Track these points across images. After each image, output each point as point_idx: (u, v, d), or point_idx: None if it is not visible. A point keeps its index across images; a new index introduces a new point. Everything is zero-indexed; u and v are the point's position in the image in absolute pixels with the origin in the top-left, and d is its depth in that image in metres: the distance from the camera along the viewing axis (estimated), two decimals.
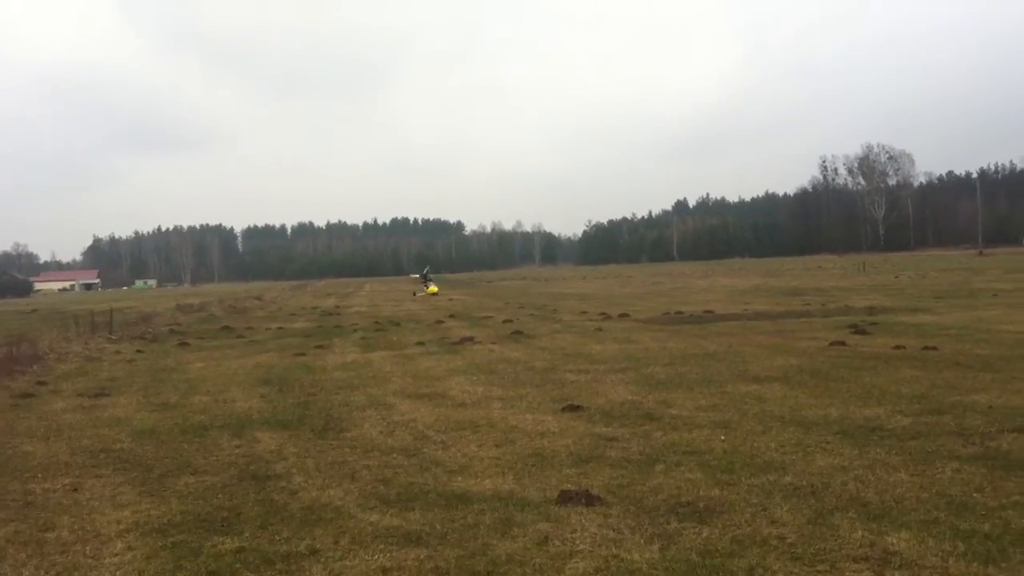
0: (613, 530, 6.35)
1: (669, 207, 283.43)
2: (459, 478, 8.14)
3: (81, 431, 11.49)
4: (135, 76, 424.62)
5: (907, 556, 5.58)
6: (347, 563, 5.96)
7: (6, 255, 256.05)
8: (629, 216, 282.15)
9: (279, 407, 12.86)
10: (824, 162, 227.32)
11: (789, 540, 5.98)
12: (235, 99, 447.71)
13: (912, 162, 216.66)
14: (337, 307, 48.47)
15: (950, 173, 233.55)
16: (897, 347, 16.67)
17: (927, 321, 22.86)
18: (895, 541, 5.83)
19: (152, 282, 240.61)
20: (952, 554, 5.58)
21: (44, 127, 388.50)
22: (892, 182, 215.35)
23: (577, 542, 6.12)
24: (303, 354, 20.68)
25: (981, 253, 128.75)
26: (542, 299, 47.56)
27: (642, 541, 6.09)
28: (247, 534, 6.66)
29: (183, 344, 25.22)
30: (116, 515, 7.35)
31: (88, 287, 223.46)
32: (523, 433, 10.11)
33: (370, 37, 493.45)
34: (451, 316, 34.00)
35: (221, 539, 6.55)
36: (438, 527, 6.62)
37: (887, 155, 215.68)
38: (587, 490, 7.27)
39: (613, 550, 5.93)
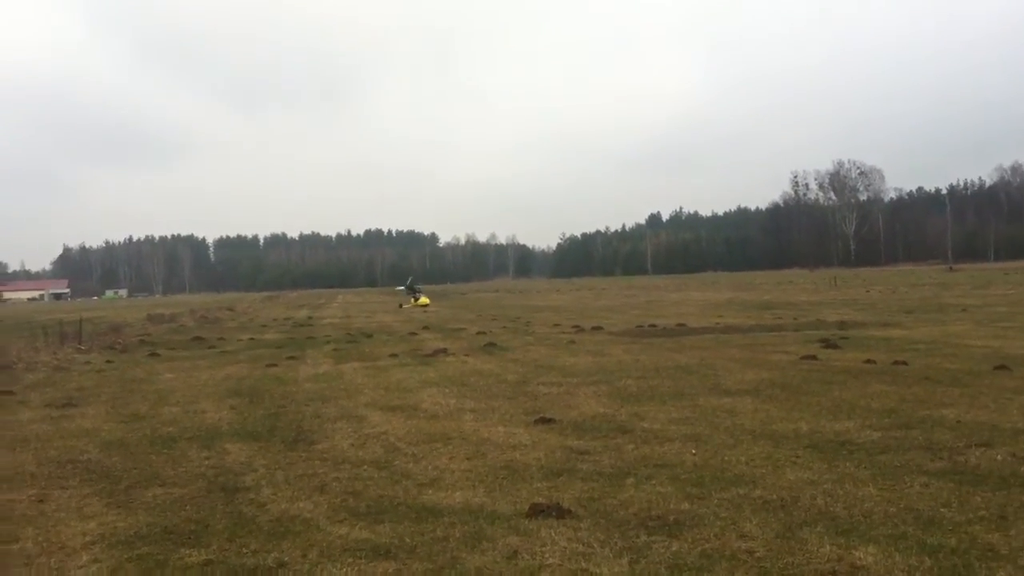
0: (583, 544, 6.34)
1: (643, 220, 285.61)
2: (430, 491, 8.11)
3: (48, 441, 11.34)
4: (106, 85, 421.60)
5: (874, 570, 5.62)
6: None
7: None
8: (603, 229, 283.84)
9: (249, 418, 12.76)
10: (795, 177, 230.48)
11: (758, 554, 6.00)
12: (208, 109, 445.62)
13: (883, 178, 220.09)
14: (310, 318, 48.22)
15: (920, 189, 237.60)
16: (867, 361, 16.80)
17: (897, 336, 23.07)
18: (863, 555, 5.87)
19: (123, 292, 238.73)
20: (919, 569, 5.63)
21: (14, 135, 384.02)
22: (863, 197, 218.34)
23: (546, 556, 6.11)
24: (275, 365, 20.55)
25: (951, 268, 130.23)
26: (516, 311, 47.57)
27: (611, 555, 6.09)
28: (215, 547, 6.59)
29: (153, 355, 24.97)
30: (82, 527, 7.25)
31: (58, 297, 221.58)
32: (494, 446, 10.08)
33: (341, 49, 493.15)
34: (424, 328, 33.92)
35: (188, 551, 6.48)
36: (407, 540, 6.58)
37: (858, 171, 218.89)
38: (558, 503, 7.26)
39: (582, 564, 5.93)
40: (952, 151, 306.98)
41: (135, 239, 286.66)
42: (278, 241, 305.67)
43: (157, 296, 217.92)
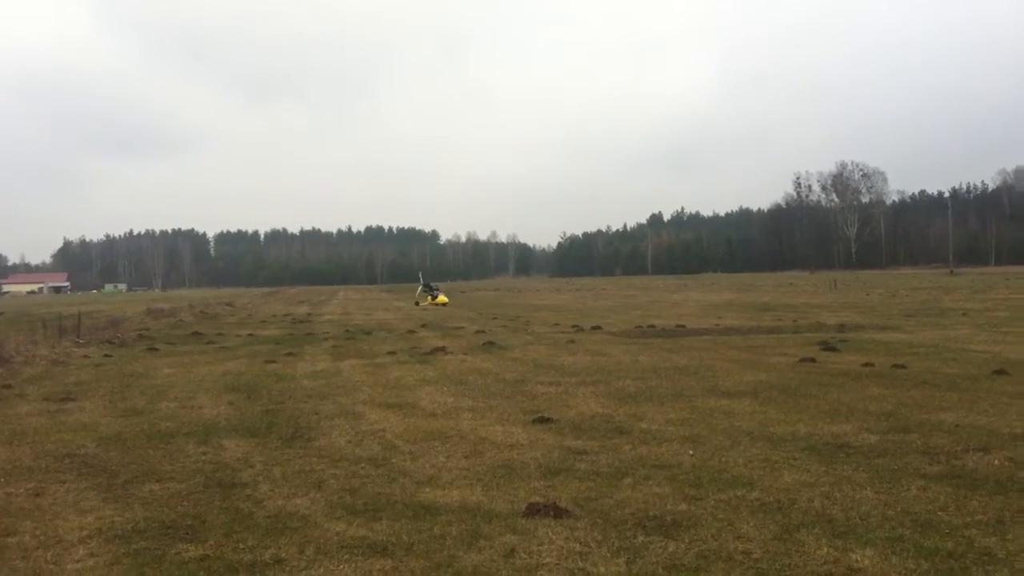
0: (580, 543, 6.34)
1: (644, 220, 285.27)
2: (427, 489, 8.11)
3: (46, 435, 11.34)
4: (110, 78, 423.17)
5: (871, 573, 5.62)
6: (312, 573, 5.92)
7: None
8: (604, 228, 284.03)
9: (247, 414, 12.76)
10: (798, 179, 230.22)
11: (755, 555, 6.00)
12: (211, 104, 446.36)
13: (885, 180, 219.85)
14: (309, 315, 48.21)
15: (922, 192, 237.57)
16: (866, 364, 16.80)
17: (896, 339, 23.05)
18: (859, 558, 5.87)
19: (122, 286, 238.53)
20: (916, 572, 5.63)
21: (15, 128, 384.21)
22: (865, 200, 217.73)
23: (543, 555, 6.11)
24: (273, 361, 20.55)
25: (952, 272, 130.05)
26: (515, 310, 47.56)
27: (608, 555, 6.09)
28: (211, 542, 6.59)
29: (152, 349, 24.99)
30: (79, 521, 7.26)
31: (57, 290, 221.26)
32: (492, 445, 10.08)
33: (347, 44, 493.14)
34: (423, 326, 33.93)
35: (185, 547, 6.49)
36: (404, 538, 6.59)
37: (861, 173, 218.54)
38: (555, 503, 7.26)
39: (579, 563, 5.93)
40: (955, 154, 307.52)
41: (135, 233, 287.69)
42: (279, 236, 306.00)
43: (156, 290, 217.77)
